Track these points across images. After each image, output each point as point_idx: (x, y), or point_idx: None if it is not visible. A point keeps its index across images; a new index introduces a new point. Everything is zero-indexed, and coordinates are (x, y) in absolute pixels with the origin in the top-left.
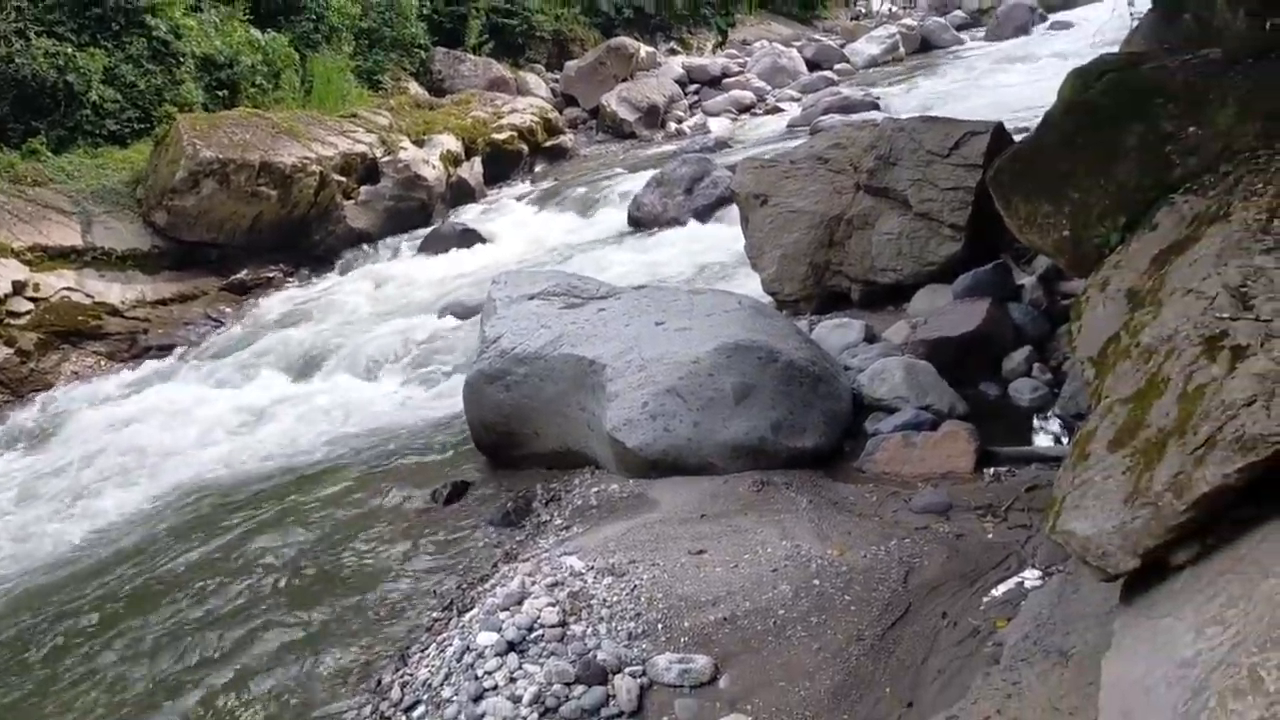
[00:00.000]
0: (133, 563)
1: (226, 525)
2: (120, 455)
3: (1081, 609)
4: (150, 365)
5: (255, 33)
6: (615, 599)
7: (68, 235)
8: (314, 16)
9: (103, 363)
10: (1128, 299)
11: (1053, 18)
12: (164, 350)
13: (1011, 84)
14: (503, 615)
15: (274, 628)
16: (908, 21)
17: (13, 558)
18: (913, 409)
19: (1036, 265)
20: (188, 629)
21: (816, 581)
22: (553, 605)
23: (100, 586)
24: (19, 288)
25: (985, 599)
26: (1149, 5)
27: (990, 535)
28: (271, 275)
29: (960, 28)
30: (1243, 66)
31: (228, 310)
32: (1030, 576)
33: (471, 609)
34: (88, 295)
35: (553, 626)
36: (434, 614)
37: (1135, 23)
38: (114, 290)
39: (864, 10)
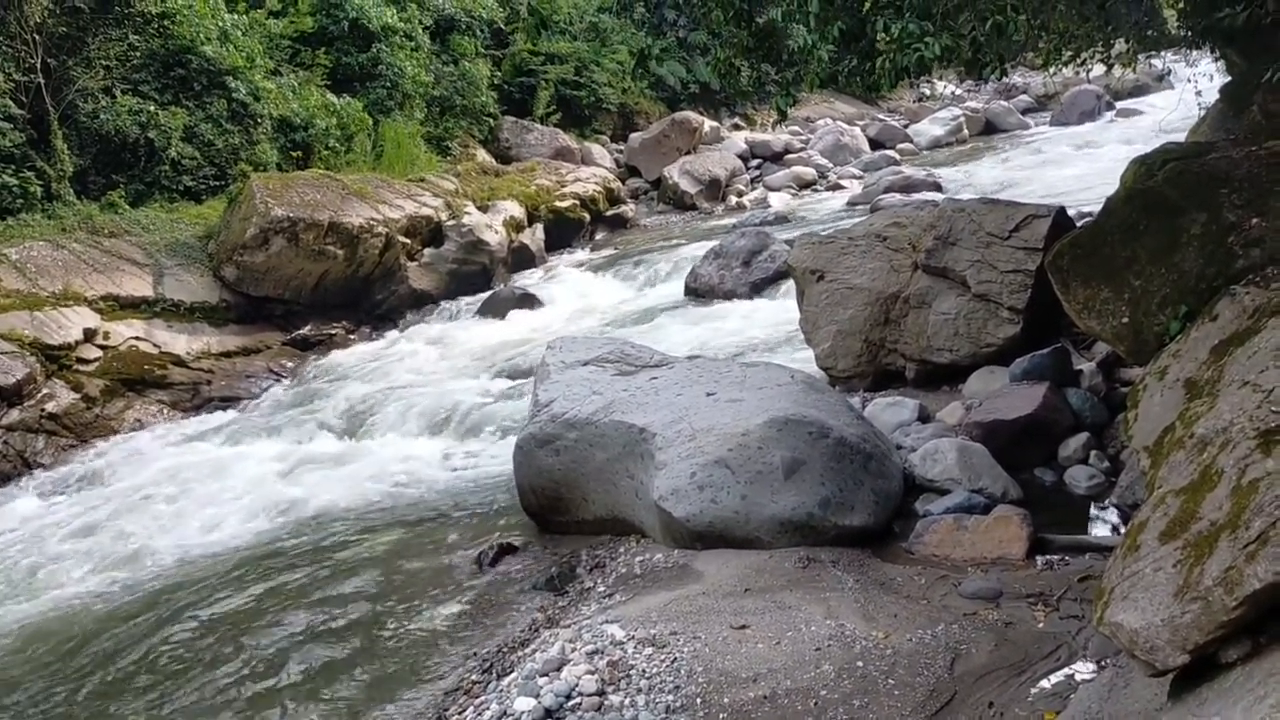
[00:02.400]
0: (175, 612)
1: (271, 578)
2: (173, 503)
3: (1131, 705)
4: (211, 416)
5: (331, 97)
6: (655, 670)
7: (139, 286)
8: (388, 83)
9: (166, 411)
10: (1185, 389)
11: (1120, 104)
12: (226, 402)
13: (1075, 169)
14: (541, 681)
15: (313, 684)
16: (972, 104)
17: (53, 599)
18: (965, 492)
19: (1095, 351)
20: (225, 681)
21: (860, 663)
22: (592, 673)
23: (138, 634)
24: (89, 335)
25: (1034, 690)
26: (1216, 96)
27: (1041, 624)
28: (334, 332)
29: (1025, 112)
30: None
31: (289, 365)
32: (1081, 669)
33: (510, 673)
34: (155, 345)
35: (591, 695)
36: (473, 676)
37: (1202, 113)
38: (180, 341)
39: (929, 92)
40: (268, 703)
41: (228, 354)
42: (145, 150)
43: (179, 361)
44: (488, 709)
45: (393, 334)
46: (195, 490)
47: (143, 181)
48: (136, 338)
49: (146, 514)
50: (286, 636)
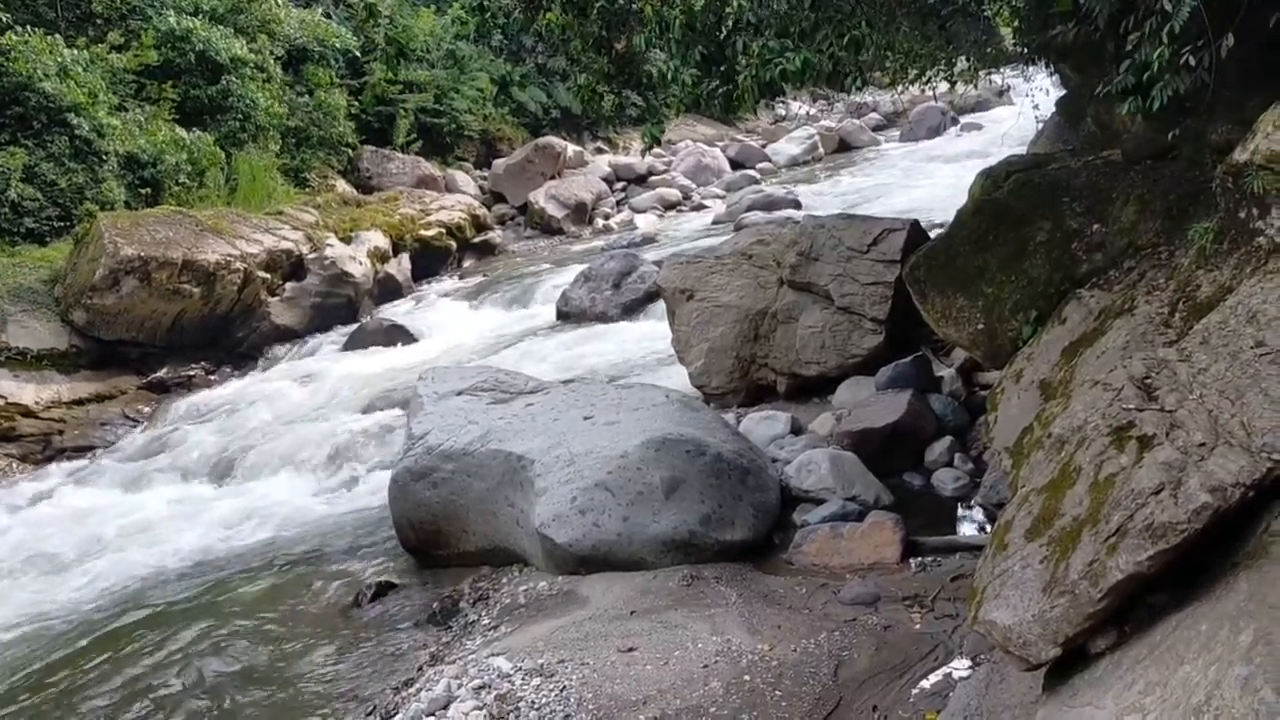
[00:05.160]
0: (31, 672)
1: (139, 632)
2: (26, 559)
3: (1008, 699)
4: (64, 466)
5: (180, 131)
6: (544, 700)
7: None
8: (240, 116)
9: (15, 465)
10: (1040, 390)
11: (964, 119)
12: (79, 451)
13: (925, 183)
14: None
15: None
16: (826, 123)
17: None
18: (839, 500)
19: (954, 357)
20: None
21: (748, 677)
22: (479, 709)
23: None
24: None
25: (915, 690)
26: (1053, 109)
27: (918, 626)
28: (193, 373)
29: (876, 129)
30: (1142, 167)
31: (146, 410)
32: (958, 667)
33: (395, 714)
34: (0, 396)
35: None
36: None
37: (1040, 125)
38: (28, 391)
39: (784, 113)
40: None
41: (80, 401)
42: None
43: (27, 412)
44: None
45: (256, 372)
46: (48, 546)
47: None
48: None
49: None
50: (157, 691)
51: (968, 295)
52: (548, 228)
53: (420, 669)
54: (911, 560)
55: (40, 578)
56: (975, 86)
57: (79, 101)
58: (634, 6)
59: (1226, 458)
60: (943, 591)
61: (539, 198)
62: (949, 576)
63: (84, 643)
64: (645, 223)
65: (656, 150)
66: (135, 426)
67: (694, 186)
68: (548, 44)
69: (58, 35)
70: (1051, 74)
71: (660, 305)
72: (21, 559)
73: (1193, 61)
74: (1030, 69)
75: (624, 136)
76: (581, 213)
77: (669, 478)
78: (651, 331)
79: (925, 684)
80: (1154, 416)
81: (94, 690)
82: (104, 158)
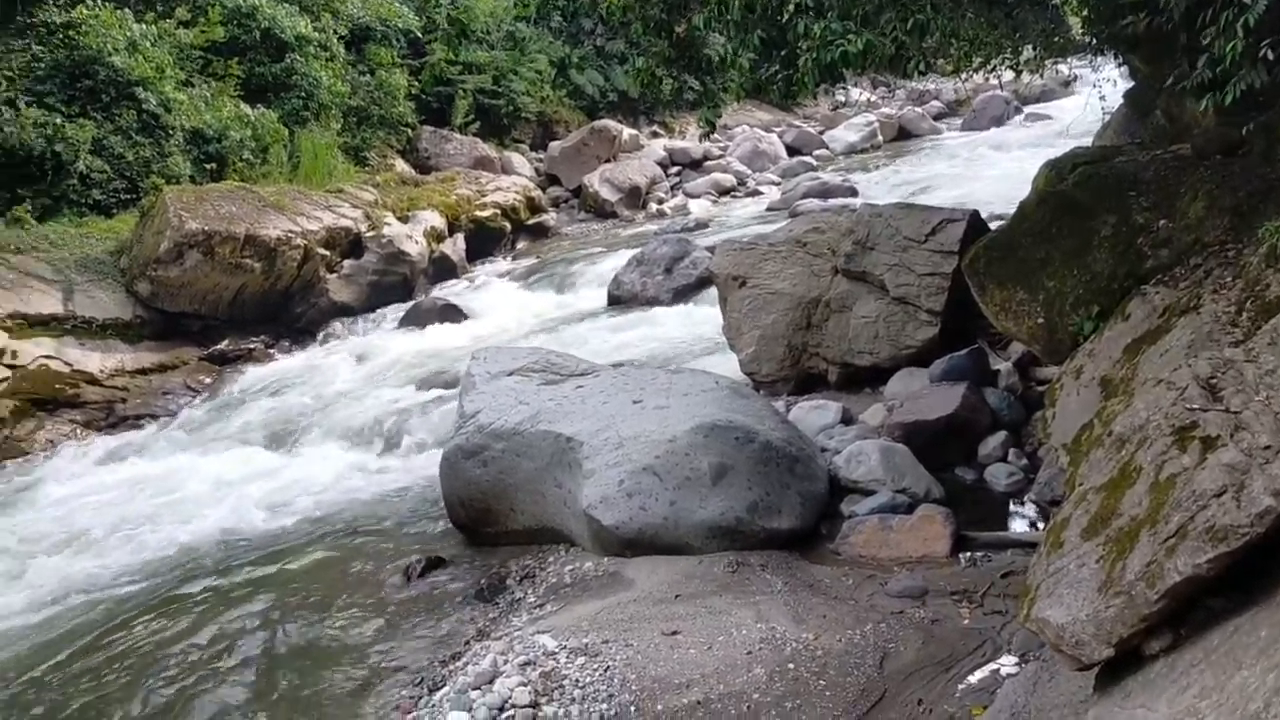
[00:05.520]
0: (91, 637)
1: (194, 598)
2: (89, 525)
3: (1056, 698)
4: (126, 435)
5: (245, 108)
6: (588, 680)
7: (48, 303)
8: (303, 94)
9: (79, 431)
10: (1101, 387)
11: (1028, 109)
12: (141, 420)
13: (986, 173)
14: (474, 694)
15: (240, 702)
16: (886, 110)
17: None
18: (889, 492)
19: (1012, 351)
20: (150, 704)
21: (791, 665)
22: (524, 685)
23: (55, 662)
24: None
25: (961, 686)
26: (1121, 101)
27: (966, 621)
28: (252, 346)
29: (938, 117)
30: (1211, 163)
31: (207, 381)
32: (1006, 663)
33: (442, 687)
34: (66, 363)
35: (524, 707)
36: (404, 691)
37: (1107, 117)
38: (93, 359)
39: (843, 99)
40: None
41: (143, 371)
42: (52, 163)
43: (92, 380)
44: None
45: (313, 347)
46: (111, 511)
47: (50, 196)
48: (47, 356)
49: (61, 537)
50: (209, 658)
51: (1028, 288)
52: (601, 211)
53: (467, 644)
54: (961, 555)
55: (98, 544)
56: (1041, 76)
57: (147, 76)
58: None
59: None
60: (992, 587)
61: (593, 181)
62: (999, 573)
63: (137, 610)
64: (699, 208)
65: (712, 135)
66: (196, 397)
67: (749, 172)
68: (607, 26)
69: (127, 10)
70: (1120, 65)
71: (712, 291)
72: (81, 525)
73: (1271, 55)
74: (1098, 59)
75: (680, 121)
76: (635, 197)
77: (717, 464)
78: (703, 317)
79: (972, 679)
80: (1218, 417)
81: (145, 658)
82: (170, 132)
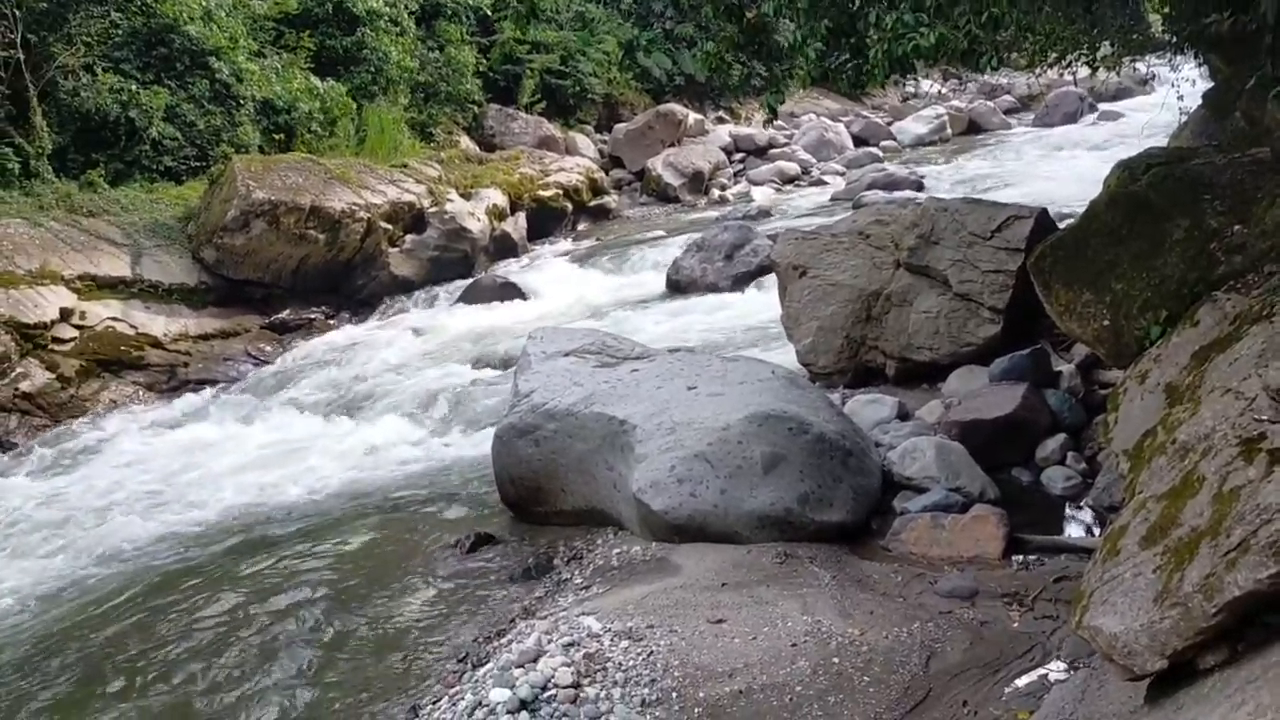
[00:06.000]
0: (148, 597)
1: (247, 563)
2: (149, 486)
3: (1106, 707)
4: (188, 398)
5: (315, 80)
6: (631, 663)
7: (117, 266)
8: (373, 68)
9: (142, 393)
10: (1166, 394)
11: (1102, 107)
12: (202, 384)
13: (1057, 171)
14: (517, 672)
15: (287, 669)
16: (956, 103)
17: (19, 585)
18: (943, 490)
19: (1075, 353)
20: (199, 667)
21: (836, 660)
22: (568, 665)
23: (110, 619)
24: (65, 314)
25: (1008, 689)
26: (1199, 102)
27: (1016, 624)
28: (313, 317)
29: (1009, 112)
30: None
31: (268, 349)
32: (1055, 669)
33: (486, 663)
34: (132, 326)
35: (566, 687)
36: (448, 666)
37: (1184, 118)
38: (158, 322)
39: (913, 90)
40: (237, 686)
41: (205, 336)
42: (126, 129)
43: (156, 343)
44: (462, 699)
45: (373, 320)
46: (171, 473)
47: (122, 161)
48: (113, 318)
49: (121, 496)
50: (259, 622)
51: (1095, 290)
52: (663, 195)
53: (512, 621)
54: (1014, 557)
55: (151, 507)
56: (1118, 73)
57: (220, 46)
58: None
59: None
60: (1044, 592)
61: (657, 165)
62: (1052, 577)
63: (189, 571)
64: (762, 195)
65: (778, 122)
66: (257, 364)
67: (814, 161)
68: (678, 9)
69: None
70: (1199, 64)
71: (771, 280)
72: (137, 487)
73: None
74: (1177, 58)
75: (746, 107)
76: (698, 182)
77: (769, 453)
78: (761, 305)
79: (1019, 683)
80: None
81: (195, 617)
82: (241, 102)
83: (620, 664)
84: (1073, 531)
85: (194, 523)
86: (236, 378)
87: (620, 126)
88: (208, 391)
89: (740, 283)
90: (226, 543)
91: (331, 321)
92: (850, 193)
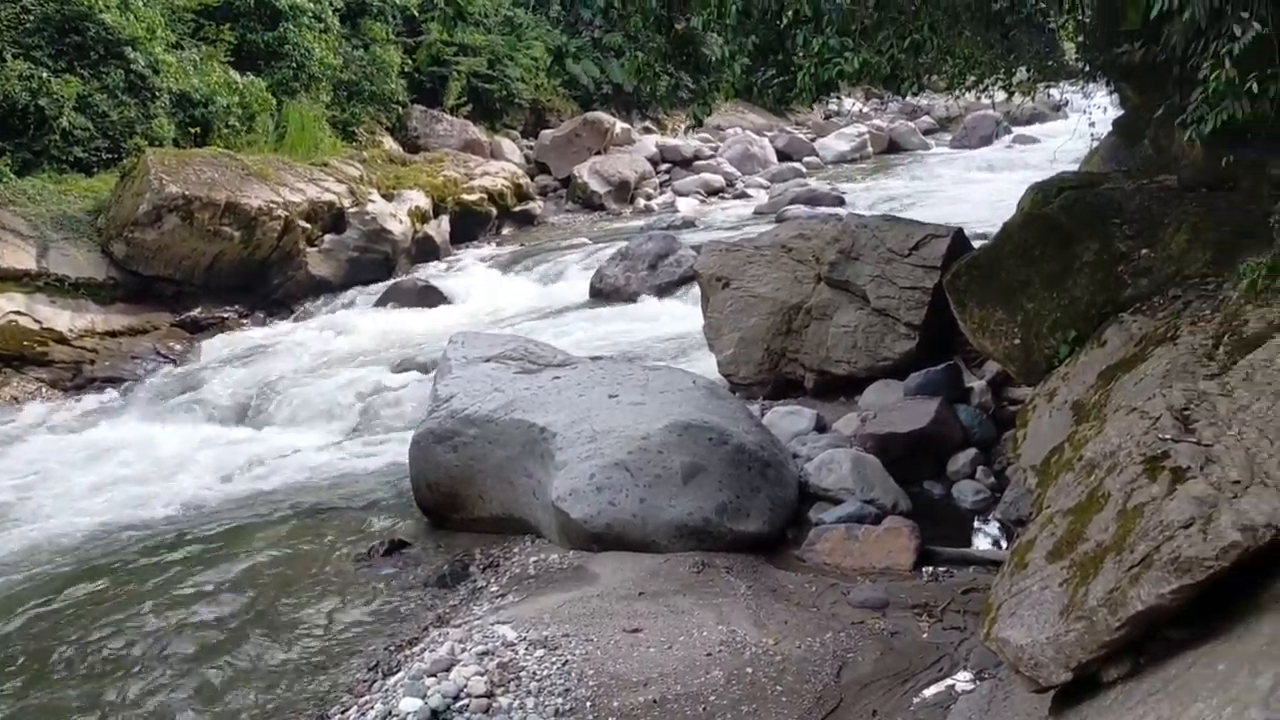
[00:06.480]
0: (40, 609)
1: (148, 571)
2: (43, 490)
3: (1011, 718)
4: (93, 397)
5: (234, 74)
6: (545, 673)
7: (22, 258)
8: (294, 64)
9: (45, 390)
10: (1073, 412)
11: (1017, 130)
12: (109, 382)
13: (973, 192)
14: (429, 681)
15: (189, 681)
16: (877, 122)
17: None
18: (857, 502)
19: (986, 370)
20: (91, 686)
21: (750, 669)
22: (481, 675)
23: None
24: None
25: (916, 700)
26: (1110, 128)
27: (925, 635)
28: (226, 316)
29: (928, 133)
30: (1197, 196)
31: (178, 347)
32: (961, 680)
33: (397, 672)
34: (36, 320)
35: (479, 697)
36: (358, 674)
37: (1095, 144)
38: (64, 318)
39: (836, 108)
40: (141, 699)
41: (113, 333)
42: (35, 118)
43: (61, 339)
44: (372, 709)
45: (288, 321)
46: (72, 474)
47: (31, 150)
48: (16, 312)
49: (14, 499)
50: (162, 628)
51: (1007, 309)
52: (589, 203)
53: (425, 629)
54: (924, 569)
55: (52, 510)
56: (1033, 98)
57: (137, 36)
58: None
59: (1260, 497)
60: (953, 603)
61: (583, 172)
62: (960, 589)
63: (85, 580)
64: (687, 206)
65: (704, 135)
66: (166, 363)
67: (739, 174)
68: (606, 18)
69: None
70: (1111, 92)
71: (694, 290)
72: (37, 489)
73: (1255, 88)
74: (1090, 86)
75: (673, 118)
76: (624, 191)
77: (689, 463)
78: (683, 315)
79: (927, 693)
80: (1190, 449)
81: (91, 629)
82: (157, 94)
83: (534, 673)
84: (981, 544)
85: (93, 529)
86: (144, 376)
87: (547, 133)
88: (114, 391)
89: (664, 292)
90: (126, 551)
91: (245, 321)
92: (774, 207)
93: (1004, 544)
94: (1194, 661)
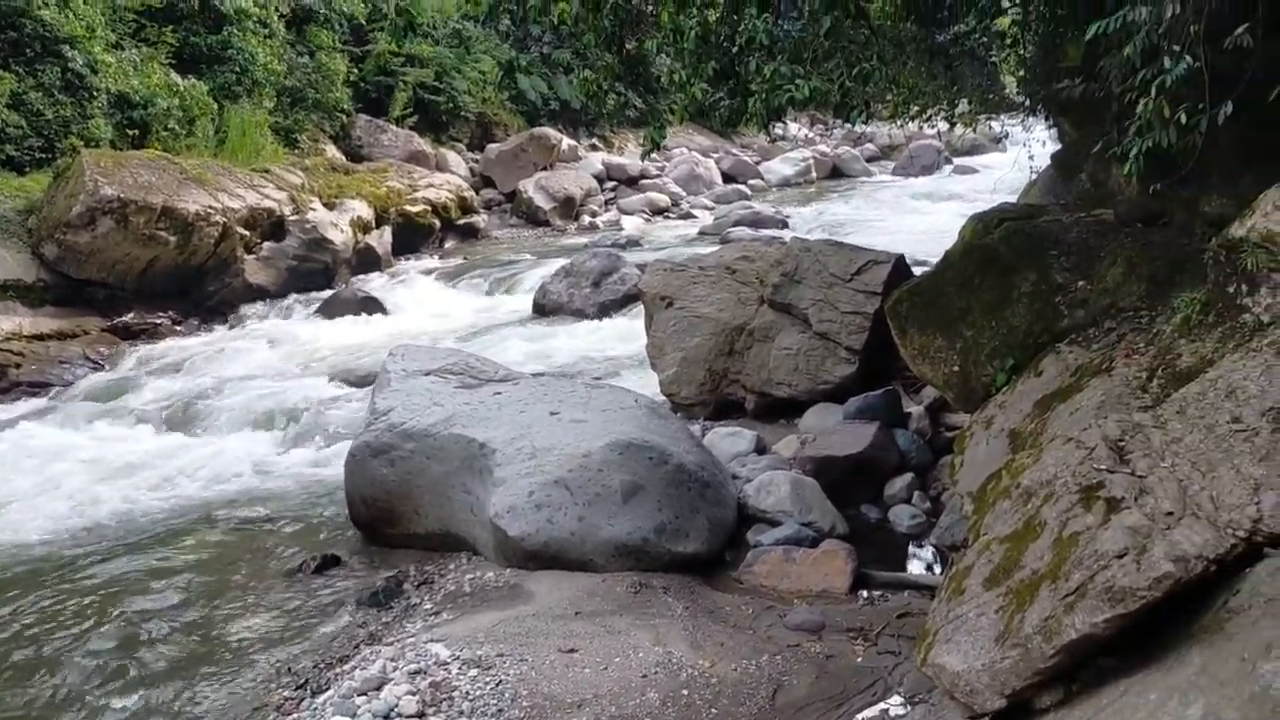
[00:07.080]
0: None
1: (67, 586)
2: None
3: None
4: (18, 403)
5: (175, 77)
6: (479, 693)
7: None
8: (237, 69)
9: None
10: (1010, 439)
11: (957, 161)
12: (35, 388)
13: (914, 220)
14: (359, 700)
15: (109, 700)
16: (822, 148)
17: None
18: (795, 524)
19: (925, 395)
20: (10, 693)
21: (685, 692)
22: (413, 694)
23: None
24: None
25: None
26: (1049, 162)
27: (859, 659)
28: (159, 322)
29: (870, 160)
30: (1132, 230)
31: (108, 353)
32: (894, 704)
33: (326, 690)
34: None
35: (410, 717)
36: (285, 693)
37: (1034, 176)
38: None
39: (782, 132)
40: (55, 707)
41: (40, 337)
42: None
43: None
44: None
45: (224, 328)
46: None
47: None
48: None
49: None
50: (79, 643)
51: (947, 336)
52: (534, 218)
53: (356, 647)
54: (860, 592)
55: None
56: (974, 130)
57: (75, 34)
58: (649, 9)
59: (1193, 529)
60: (887, 627)
61: (528, 187)
62: (895, 613)
63: (1, 586)
64: (632, 225)
65: (654, 154)
66: (95, 368)
67: (684, 194)
68: (557, 34)
69: None
70: (1050, 127)
71: (638, 308)
72: None
73: (1184, 119)
74: (1030, 119)
75: (620, 136)
76: (569, 207)
77: (629, 482)
78: (626, 333)
79: (860, 718)
80: (1124, 480)
81: (8, 643)
82: (94, 94)
83: (468, 693)
84: (915, 568)
85: (11, 539)
86: (72, 381)
87: (493, 146)
88: (40, 396)
89: (607, 310)
90: (44, 565)
91: (179, 328)
92: (718, 228)
93: (938, 568)
94: (1125, 690)
